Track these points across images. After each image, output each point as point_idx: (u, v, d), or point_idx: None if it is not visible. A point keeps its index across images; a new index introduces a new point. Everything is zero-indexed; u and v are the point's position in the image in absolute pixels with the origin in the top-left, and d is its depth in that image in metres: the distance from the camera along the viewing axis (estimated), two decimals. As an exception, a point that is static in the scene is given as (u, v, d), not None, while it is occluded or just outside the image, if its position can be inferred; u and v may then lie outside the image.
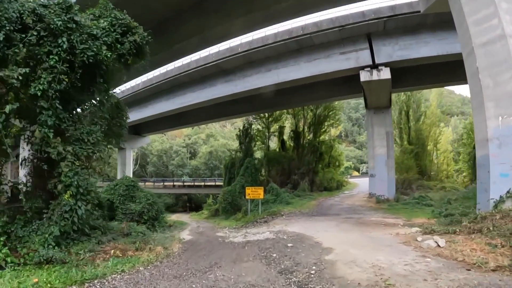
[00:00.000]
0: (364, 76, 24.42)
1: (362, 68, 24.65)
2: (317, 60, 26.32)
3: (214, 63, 29.64)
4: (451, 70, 24.41)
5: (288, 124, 43.46)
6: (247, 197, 23.27)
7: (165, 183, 58.78)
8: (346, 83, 28.89)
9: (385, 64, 24.12)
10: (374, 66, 24.40)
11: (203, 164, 74.89)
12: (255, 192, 22.72)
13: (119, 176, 46.18)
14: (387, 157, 27.10)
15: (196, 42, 23.29)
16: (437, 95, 44.78)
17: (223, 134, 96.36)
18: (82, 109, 12.55)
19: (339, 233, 12.67)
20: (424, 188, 32.66)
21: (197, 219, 36.30)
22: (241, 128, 39.35)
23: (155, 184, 59.68)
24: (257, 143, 40.93)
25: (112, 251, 9.66)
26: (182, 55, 27.46)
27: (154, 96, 37.11)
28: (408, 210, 20.30)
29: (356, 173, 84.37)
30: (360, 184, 48.23)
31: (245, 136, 37.78)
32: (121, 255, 9.51)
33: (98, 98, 12.43)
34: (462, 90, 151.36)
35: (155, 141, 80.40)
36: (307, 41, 25.79)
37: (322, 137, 41.16)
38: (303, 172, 36.52)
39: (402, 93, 39.12)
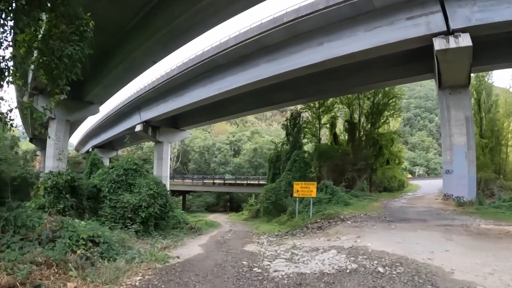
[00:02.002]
0: (439, 44, 19.16)
1: (435, 35, 19.43)
2: (379, 28, 21.34)
3: (255, 38, 25.36)
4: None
5: (341, 115, 38.89)
6: (295, 194, 18.48)
7: (205, 180, 55.48)
8: (410, 62, 24.40)
9: (462, 30, 18.85)
10: (449, 32, 19.23)
11: (246, 161, 72.06)
12: (305, 189, 17.92)
13: (155, 172, 43.52)
14: (467, 148, 21.51)
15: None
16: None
17: (269, 133, 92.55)
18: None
19: (483, 257, 7.23)
20: (505, 189, 27.16)
21: (235, 220, 32.39)
22: (288, 117, 34.82)
23: (194, 181, 56.76)
24: (307, 135, 36.05)
25: None
26: (211, 20, 22.15)
27: (190, 82, 33.52)
28: (507, 215, 15.33)
29: (409, 176, 77.89)
30: (421, 186, 42.71)
31: (293, 126, 33.21)
32: None
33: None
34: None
35: (197, 138, 78.97)
36: (365, 4, 20.89)
37: (381, 129, 35.71)
38: (359, 168, 31.48)
39: (474, 75, 33.03)
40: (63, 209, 11.96)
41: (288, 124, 34.00)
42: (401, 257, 7.33)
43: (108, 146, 65.11)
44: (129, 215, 13.80)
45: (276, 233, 15.64)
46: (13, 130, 8.70)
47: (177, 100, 36.01)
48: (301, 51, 24.60)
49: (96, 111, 36.46)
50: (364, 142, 33.67)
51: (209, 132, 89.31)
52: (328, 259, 7.71)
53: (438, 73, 21.67)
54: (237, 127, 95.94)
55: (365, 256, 7.62)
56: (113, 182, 15.25)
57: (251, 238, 14.49)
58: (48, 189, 12.63)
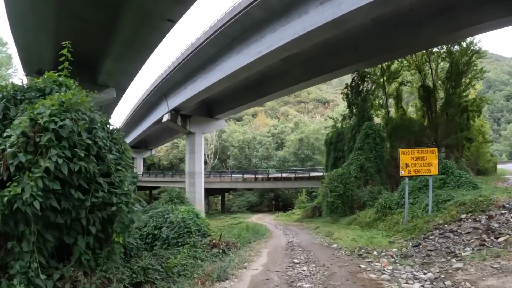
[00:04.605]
0: None
1: None
2: None
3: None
4: None
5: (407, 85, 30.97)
6: (402, 172, 11.27)
7: (245, 176, 48.93)
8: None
9: None
10: None
11: (292, 154, 64.93)
12: (420, 162, 10.67)
13: (187, 168, 38.51)
14: None
15: None
16: None
17: (314, 124, 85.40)
18: None
19: None
20: None
21: (285, 222, 25.58)
22: (349, 83, 27.32)
23: (233, 176, 50.64)
24: (374, 103, 28.20)
25: None
26: None
27: (221, 52, 26.69)
28: None
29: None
30: (507, 169, 36.84)
31: (357, 95, 25.70)
32: None
33: None
34: None
35: (235, 132, 73.79)
36: None
37: (464, 95, 27.37)
38: (447, 145, 24.08)
39: None
40: None
41: (349, 92, 26.57)
42: None
43: (142, 145, 63.84)
44: None
45: (393, 249, 8.12)
46: None
47: (208, 77, 29.29)
48: (365, -18, 17.22)
49: (111, 96, 30.20)
50: (448, 111, 25.61)
51: (249, 128, 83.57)
52: None
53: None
54: (278, 120, 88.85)
55: None
56: None
57: (368, 277, 6.29)
58: None
